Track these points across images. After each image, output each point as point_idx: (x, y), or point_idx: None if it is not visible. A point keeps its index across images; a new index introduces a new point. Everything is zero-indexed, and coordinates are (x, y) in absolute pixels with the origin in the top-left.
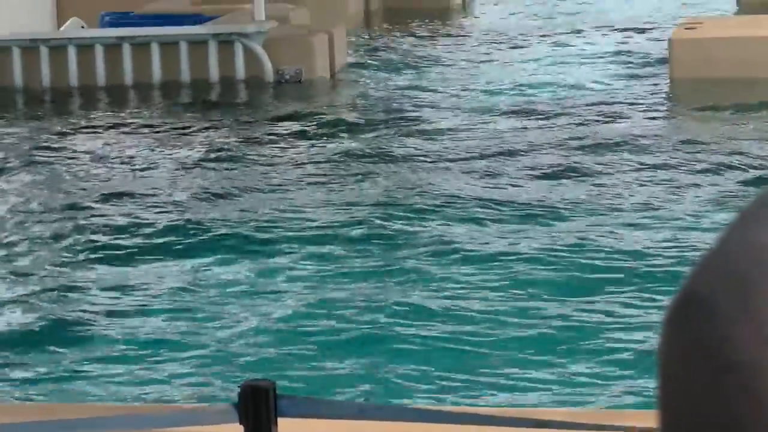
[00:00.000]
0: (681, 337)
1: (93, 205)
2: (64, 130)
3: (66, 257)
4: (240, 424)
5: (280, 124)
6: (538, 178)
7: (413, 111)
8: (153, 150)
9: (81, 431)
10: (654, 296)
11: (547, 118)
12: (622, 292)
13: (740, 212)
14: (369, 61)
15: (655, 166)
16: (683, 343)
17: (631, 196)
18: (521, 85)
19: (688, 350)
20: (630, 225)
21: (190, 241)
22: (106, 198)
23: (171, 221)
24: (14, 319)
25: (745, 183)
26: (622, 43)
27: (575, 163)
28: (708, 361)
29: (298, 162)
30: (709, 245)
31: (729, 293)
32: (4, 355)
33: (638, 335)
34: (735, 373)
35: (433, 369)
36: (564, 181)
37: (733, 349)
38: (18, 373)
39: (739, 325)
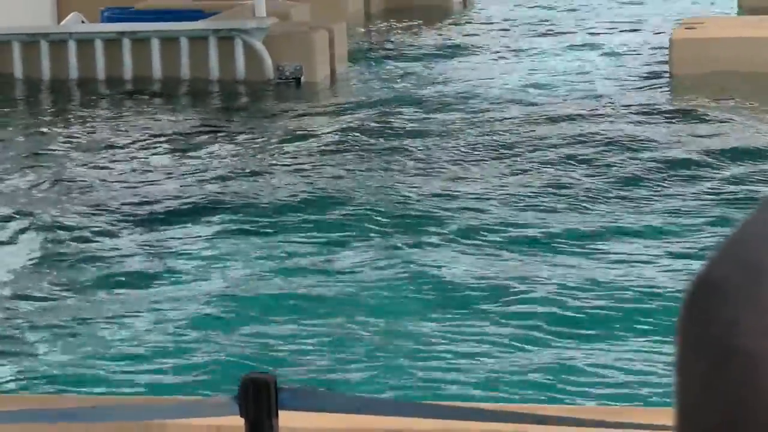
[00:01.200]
0: (692, 321)
1: (90, 198)
2: (63, 124)
3: (63, 250)
4: (240, 416)
5: (279, 120)
6: (539, 174)
7: (413, 108)
8: (152, 145)
9: (81, 421)
10: (654, 291)
11: (547, 117)
12: (623, 288)
13: (760, 203)
14: (369, 58)
15: (655, 165)
16: (693, 327)
17: (630, 193)
18: (523, 83)
19: (697, 334)
20: (631, 220)
21: (188, 234)
22: (104, 191)
23: (168, 215)
24: (14, 309)
25: (746, 181)
26: (623, 41)
27: (575, 160)
28: (713, 346)
29: (298, 158)
30: (728, 233)
31: (740, 280)
32: (5, 346)
33: (641, 331)
34: (737, 359)
35: (434, 364)
36: (563, 178)
37: (737, 335)
38: (19, 364)
39: (746, 313)
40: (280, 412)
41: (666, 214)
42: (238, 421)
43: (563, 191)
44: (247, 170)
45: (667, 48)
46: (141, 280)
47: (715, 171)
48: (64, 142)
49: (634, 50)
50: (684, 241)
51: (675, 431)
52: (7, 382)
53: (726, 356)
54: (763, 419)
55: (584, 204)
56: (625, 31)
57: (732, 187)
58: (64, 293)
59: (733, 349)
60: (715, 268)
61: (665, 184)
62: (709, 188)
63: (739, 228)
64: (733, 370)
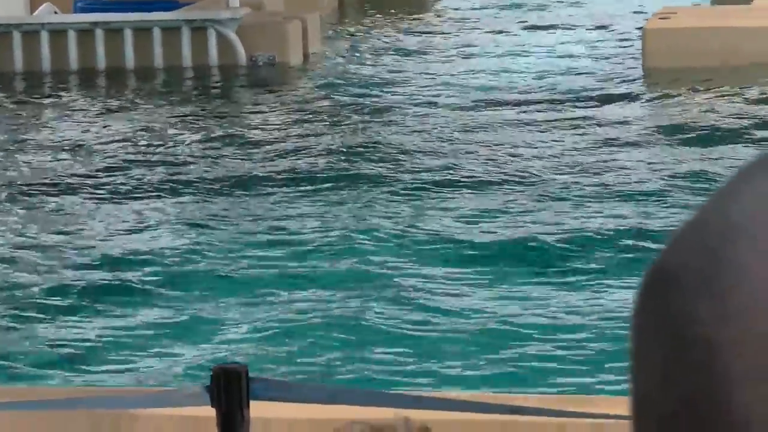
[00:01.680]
0: (647, 310)
1: (65, 188)
2: (35, 114)
3: (32, 238)
4: (212, 406)
5: (252, 110)
6: (514, 162)
7: (384, 97)
8: (125, 135)
9: (54, 409)
10: (626, 278)
11: (520, 106)
12: (601, 274)
13: (718, 188)
14: (342, 49)
15: (630, 151)
16: (649, 317)
17: (607, 178)
18: (495, 72)
19: (652, 324)
20: (607, 203)
21: (160, 220)
22: (80, 182)
23: (143, 205)
24: None
25: (717, 168)
26: (597, 31)
27: (549, 147)
28: (669, 336)
29: (270, 147)
30: (684, 220)
31: (696, 268)
32: None
33: (612, 320)
34: (693, 349)
35: (406, 354)
36: (539, 167)
37: (693, 325)
38: None
39: (701, 301)
40: (252, 403)
41: (638, 203)
42: (210, 412)
43: (536, 180)
44: (219, 159)
45: (641, 37)
46: (111, 269)
47: (687, 155)
48: (39, 132)
49: (609, 40)
50: (656, 225)
51: (631, 420)
52: None
53: (683, 346)
54: (718, 407)
55: (559, 190)
56: (600, 20)
57: (705, 174)
58: (35, 283)
59: (691, 338)
60: (671, 256)
61: (638, 173)
62: (681, 175)
63: (696, 215)
64: (691, 359)
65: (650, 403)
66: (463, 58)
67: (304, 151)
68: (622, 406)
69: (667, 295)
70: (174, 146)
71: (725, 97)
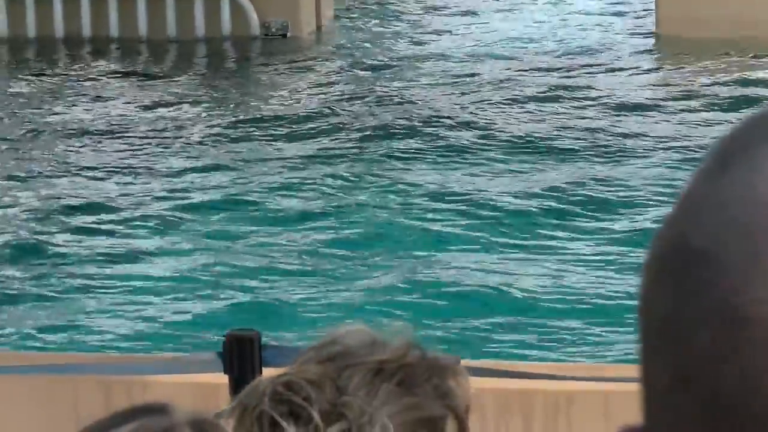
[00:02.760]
0: (687, 291)
1: (74, 156)
2: (48, 82)
3: (49, 215)
4: (224, 373)
5: (267, 77)
6: (526, 134)
7: (398, 64)
8: (138, 105)
9: (67, 374)
10: (637, 251)
11: (532, 74)
12: (610, 245)
13: (723, 158)
14: (356, 14)
15: (642, 120)
16: (690, 297)
17: (617, 148)
18: (511, 38)
19: (697, 305)
20: (616, 176)
21: (172, 192)
22: (91, 153)
23: (150, 174)
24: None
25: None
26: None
27: (563, 119)
28: (720, 316)
29: (285, 115)
30: (687, 190)
31: (737, 246)
32: None
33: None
34: (748, 327)
35: (418, 320)
36: (549, 138)
37: (747, 303)
38: (7, 323)
39: (752, 280)
40: (264, 369)
41: (649, 179)
42: (222, 378)
43: (547, 150)
44: (232, 131)
45: (653, 4)
46: (123, 241)
47: (699, 125)
48: (48, 101)
49: (621, 7)
50: (663, 198)
51: (655, 405)
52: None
53: (737, 325)
54: None
55: (568, 162)
56: None
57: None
58: (49, 256)
59: (744, 317)
60: (698, 232)
61: (650, 146)
62: (694, 149)
63: (708, 188)
64: (745, 338)
65: (696, 383)
66: (477, 24)
67: (320, 123)
68: (630, 372)
69: (706, 274)
70: (187, 118)
71: (737, 65)
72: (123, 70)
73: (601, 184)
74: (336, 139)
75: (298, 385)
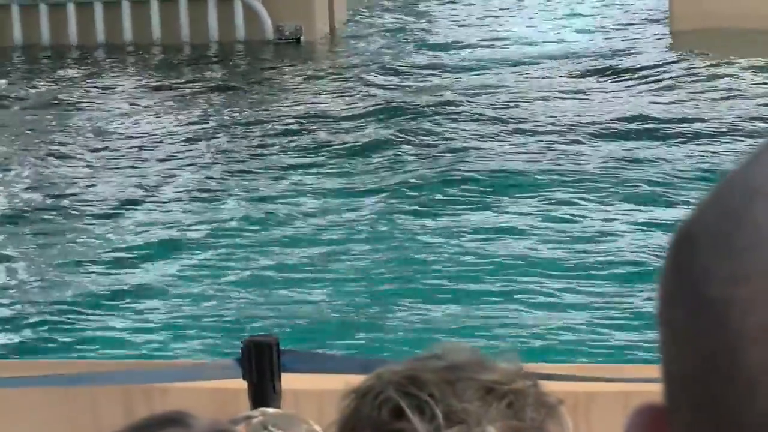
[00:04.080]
0: (670, 271)
1: (88, 163)
2: (63, 88)
3: (65, 217)
4: (243, 379)
5: (280, 81)
6: (544, 131)
7: (412, 67)
8: (153, 110)
9: (85, 385)
10: (663, 251)
11: (548, 70)
12: (629, 246)
13: (746, 157)
14: (369, 17)
15: (658, 117)
16: (672, 277)
17: (632, 146)
18: (525, 38)
19: (675, 284)
20: (629, 179)
21: (188, 197)
22: (102, 156)
23: (166, 177)
24: (19, 277)
25: (745, 137)
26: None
27: (574, 116)
28: (690, 295)
29: (299, 120)
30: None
31: (716, 230)
32: (9, 313)
33: (638, 291)
34: (711, 307)
35: (435, 325)
36: (567, 135)
37: (711, 283)
38: (23, 331)
39: (719, 261)
40: (283, 375)
41: (666, 172)
42: (241, 384)
43: (564, 148)
44: (247, 136)
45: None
46: (141, 247)
47: (713, 127)
48: (62, 106)
49: (635, 4)
50: (680, 196)
51: (662, 381)
52: (14, 347)
53: (702, 304)
54: (735, 365)
55: (586, 161)
56: None
57: (730, 145)
58: (68, 264)
59: (709, 297)
60: (695, 219)
61: (665, 143)
62: (708, 144)
63: (723, 181)
64: (710, 317)
65: (675, 361)
66: (490, 24)
67: (335, 127)
68: (650, 372)
69: (688, 256)
70: (201, 121)
71: (752, 62)
72: (136, 74)
73: (620, 185)
74: (352, 145)
75: (422, 382)
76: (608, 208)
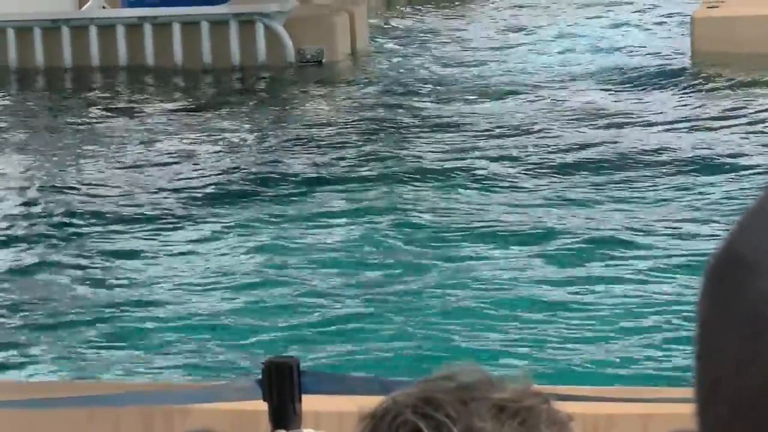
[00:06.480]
0: (718, 295)
1: (114, 184)
2: (85, 111)
3: (88, 233)
4: (263, 400)
5: (302, 104)
6: (562, 151)
7: (433, 91)
8: (174, 134)
9: (107, 406)
10: (681, 273)
11: (569, 91)
12: (649, 269)
13: None
14: (390, 41)
15: (678, 144)
16: (720, 301)
17: (655, 171)
18: (547, 62)
19: (725, 308)
20: (653, 196)
21: (208, 219)
22: (127, 178)
23: (191, 200)
24: (38, 295)
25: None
26: (646, 19)
27: (597, 137)
28: (746, 320)
29: (319, 141)
30: (748, 206)
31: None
32: (32, 334)
33: (665, 313)
34: None
35: (455, 346)
36: (585, 155)
37: None
38: (44, 352)
39: None
40: (304, 396)
41: (686, 195)
42: (262, 406)
43: (584, 167)
44: (267, 156)
45: (689, 26)
46: (161, 268)
47: (733, 151)
48: (83, 130)
49: (657, 28)
50: (704, 216)
51: (699, 405)
52: (38, 369)
53: (759, 330)
54: None
55: (605, 181)
56: (648, 8)
57: (750, 171)
58: (87, 283)
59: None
60: (740, 241)
61: (684, 166)
62: (729, 167)
63: (760, 200)
64: (766, 343)
65: (724, 386)
66: (514, 46)
67: (357, 150)
68: (669, 394)
69: (740, 279)
70: (219, 145)
71: None
72: (158, 98)
73: (639, 206)
74: (373, 165)
75: (438, 402)
76: (627, 230)
